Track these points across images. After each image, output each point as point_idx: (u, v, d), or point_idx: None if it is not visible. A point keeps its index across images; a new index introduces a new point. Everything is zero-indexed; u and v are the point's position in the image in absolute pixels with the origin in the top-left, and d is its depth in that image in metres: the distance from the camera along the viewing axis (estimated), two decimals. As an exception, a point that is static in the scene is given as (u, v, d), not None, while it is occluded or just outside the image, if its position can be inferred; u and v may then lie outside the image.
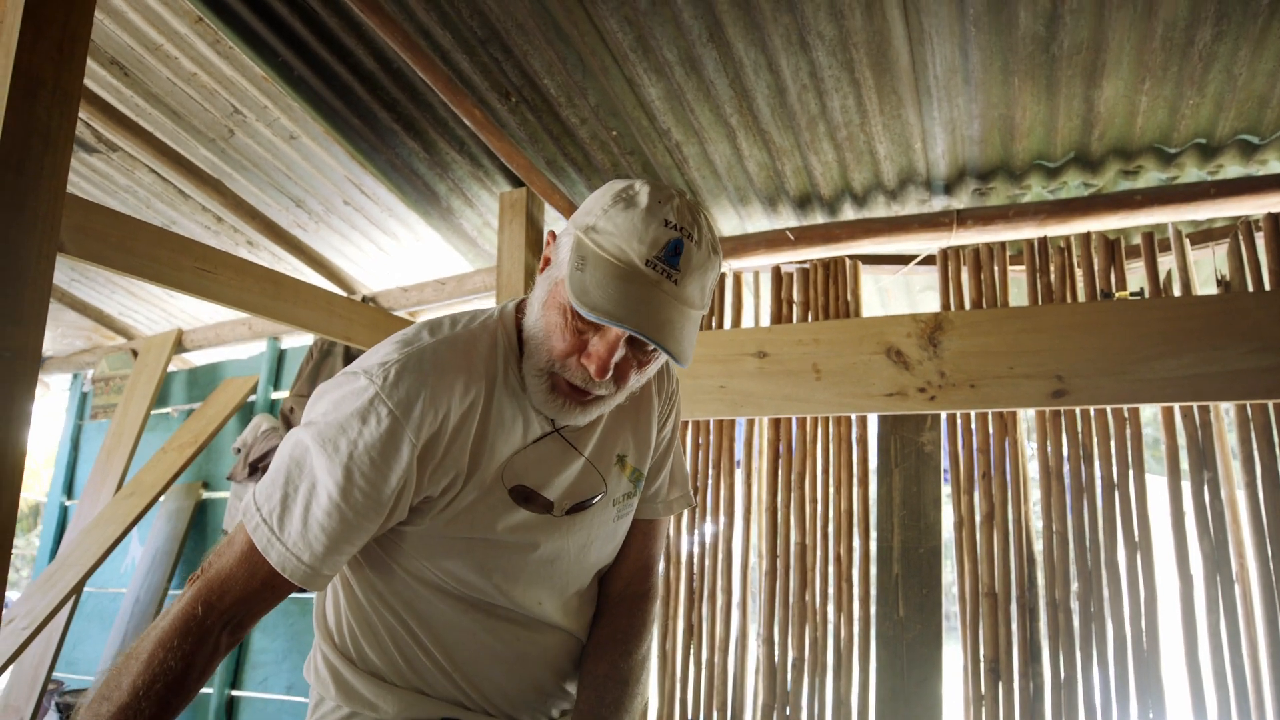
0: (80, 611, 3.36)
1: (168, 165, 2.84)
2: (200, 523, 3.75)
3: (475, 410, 1.00)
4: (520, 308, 1.09)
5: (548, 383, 1.00)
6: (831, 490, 2.47)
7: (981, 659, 2.23)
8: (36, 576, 3.91)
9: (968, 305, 2.46)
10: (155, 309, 4.07)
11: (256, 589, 0.94)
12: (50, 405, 5.06)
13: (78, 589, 3.10)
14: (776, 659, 2.42)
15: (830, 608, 2.40)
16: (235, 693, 3.39)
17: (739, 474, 2.64)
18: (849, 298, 2.63)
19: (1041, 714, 2.17)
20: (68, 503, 4.32)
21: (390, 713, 1.07)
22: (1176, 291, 2.30)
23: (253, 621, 0.97)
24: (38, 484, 8.44)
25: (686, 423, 2.70)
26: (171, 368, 4.15)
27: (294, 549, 0.93)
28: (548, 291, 1.00)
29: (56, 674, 3.47)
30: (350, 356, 3.11)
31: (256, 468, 3.26)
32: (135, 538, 3.81)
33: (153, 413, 3.81)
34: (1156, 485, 2.27)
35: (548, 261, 1.03)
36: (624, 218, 0.93)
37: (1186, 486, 2.20)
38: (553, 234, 1.05)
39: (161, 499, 3.46)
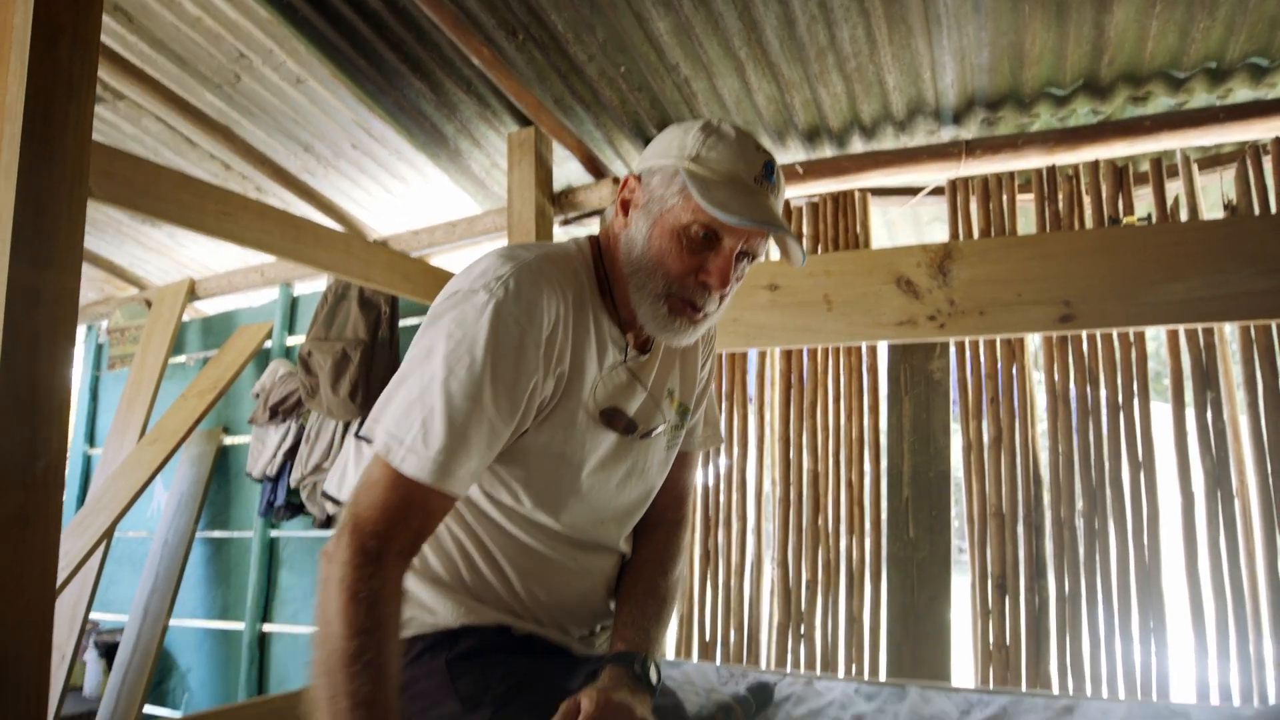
0: (110, 556, 3.46)
1: (175, 112, 2.84)
2: (223, 467, 3.84)
3: (572, 326, 1.09)
4: (595, 244, 1.20)
5: (665, 306, 1.11)
6: (843, 418, 2.54)
7: (989, 576, 2.32)
8: (67, 523, 4.01)
9: (976, 235, 2.49)
10: (166, 258, 4.10)
11: (412, 510, 0.98)
12: (65, 357, 5.11)
13: (109, 533, 3.19)
14: (790, 581, 2.52)
15: (842, 531, 2.48)
16: (266, 628, 3.51)
17: (751, 406, 2.71)
18: (858, 230, 2.66)
19: (1046, 627, 2.27)
20: (90, 451, 4.41)
21: (447, 618, 1.15)
22: (1184, 217, 2.32)
23: (420, 544, 1.02)
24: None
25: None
26: (185, 317, 4.19)
27: (439, 461, 0.96)
28: (651, 223, 1.11)
29: (93, 615, 3.59)
30: (365, 300, 3.15)
31: (277, 411, 3.33)
32: (159, 483, 3.90)
33: (170, 362, 3.87)
34: (1160, 411, 2.33)
35: (626, 203, 1.15)
36: (724, 146, 1.09)
37: (1190, 414, 2.26)
38: (632, 176, 1.16)
39: (184, 445, 3.54)
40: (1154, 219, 2.33)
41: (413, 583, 1.17)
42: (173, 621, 3.59)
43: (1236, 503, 2.18)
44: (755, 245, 1.11)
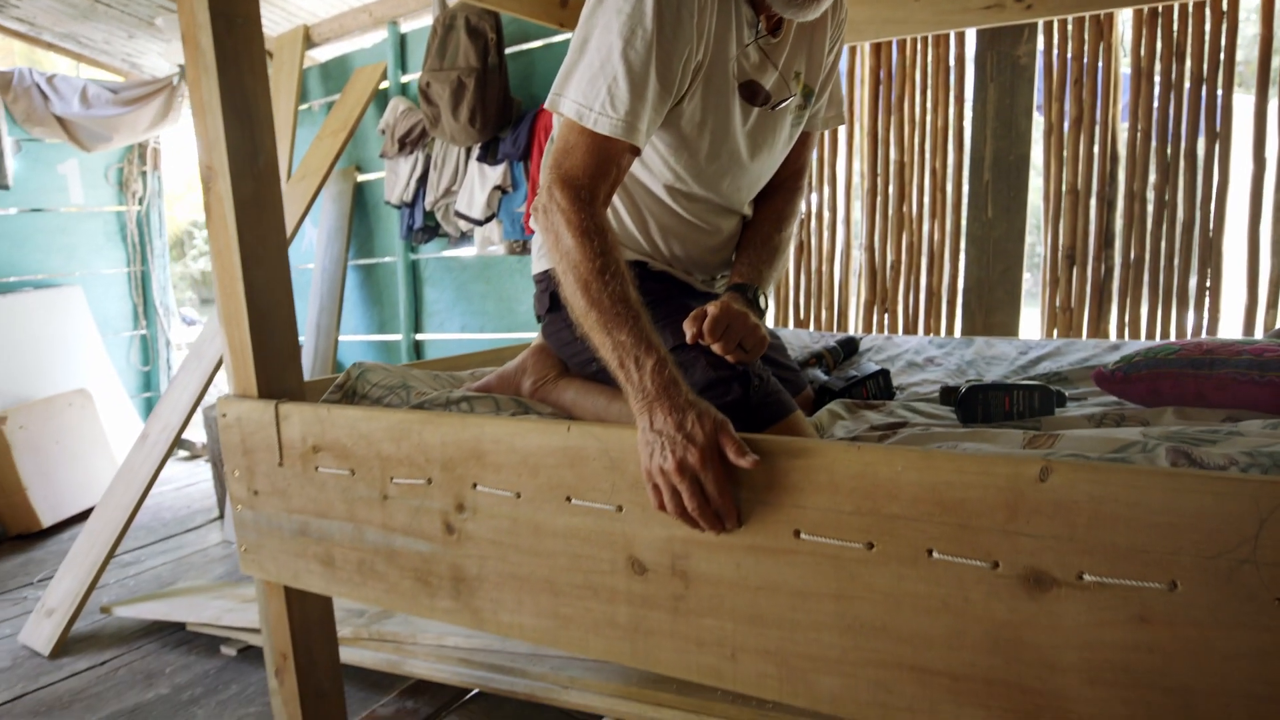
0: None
1: None
2: (361, 201, 4.29)
3: (716, 2, 1.25)
4: None
5: None
6: (929, 110, 2.70)
7: (1060, 248, 2.57)
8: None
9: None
10: (276, 9, 4.31)
11: (609, 163, 1.19)
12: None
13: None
14: (876, 263, 2.83)
15: (925, 215, 2.74)
16: (419, 336, 4.11)
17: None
18: (952, -83, 2.65)
19: (1110, 292, 2.53)
20: (239, 198, 4.92)
21: None
22: None
23: (614, 192, 1.24)
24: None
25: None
26: (303, 65, 4.47)
27: (627, 120, 1.16)
28: None
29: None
30: (472, 29, 3.34)
31: (404, 143, 3.67)
32: (308, 221, 4.40)
33: (298, 109, 4.22)
34: (1241, 101, 2.39)
35: None
36: None
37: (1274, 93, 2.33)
38: None
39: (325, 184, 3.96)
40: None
41: None
42: (341, 337, 4.23)
43: (1307, 167, 2.31)
44: None
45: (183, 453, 5.22)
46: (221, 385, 4.69)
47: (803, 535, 1.02)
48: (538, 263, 1.57)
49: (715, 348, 1.24)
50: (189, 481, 4.68)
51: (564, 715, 2.02)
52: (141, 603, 2.80)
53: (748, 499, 1.05)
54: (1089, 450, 1.08)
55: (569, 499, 1.19)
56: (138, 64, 4.85)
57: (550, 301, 1.50)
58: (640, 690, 1.63)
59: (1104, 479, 0.85)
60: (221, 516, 3.88)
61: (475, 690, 2.13)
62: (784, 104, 1.40)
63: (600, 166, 1.19)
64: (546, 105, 1.27)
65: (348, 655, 1.81)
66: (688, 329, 1.24)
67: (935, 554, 0.94)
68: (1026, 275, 2.63)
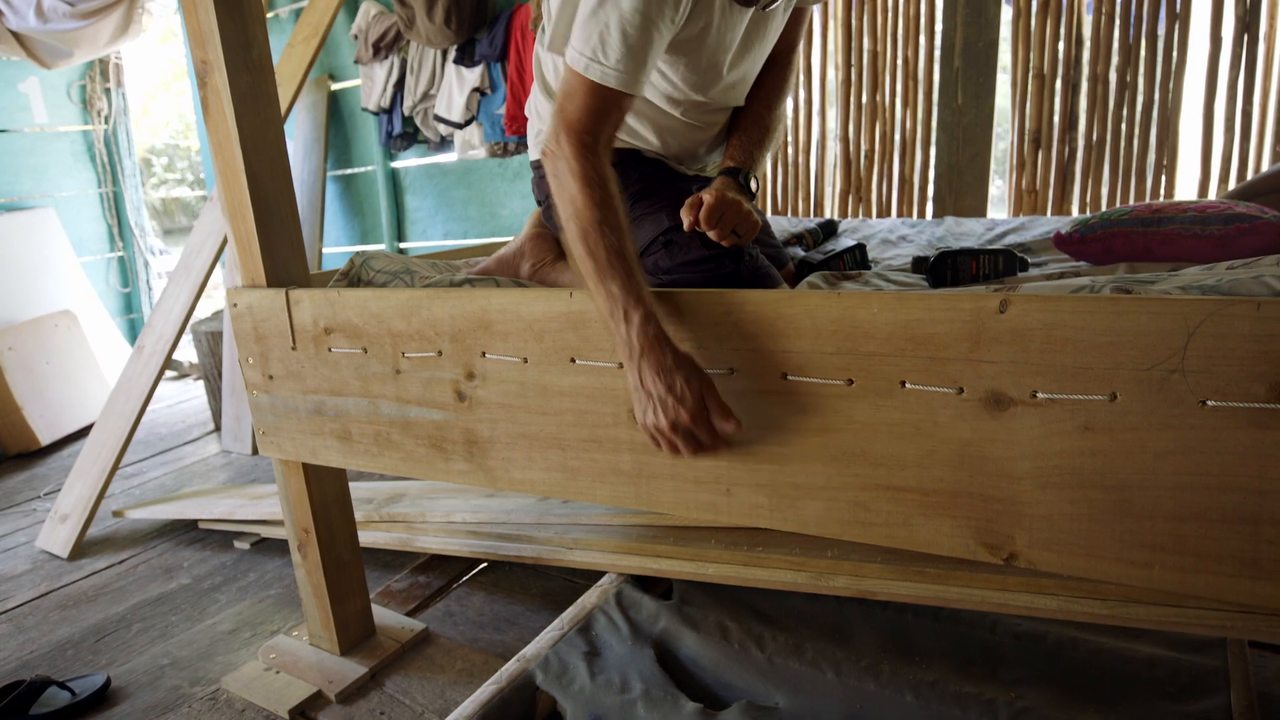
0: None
1: None
2: (336, 110, 4.25)
3: None
4: None
5: None
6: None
7: (1026, 133, 2.65)
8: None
9: None
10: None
11: (608, 109, 1.23)
12: (158, 28, 5.38)
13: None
14: (851, 153, 2.90)
15: (898, 105, 2.80)
16: (402, 245, 4.15)
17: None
18: None
19: (1073, 173, 2.64)
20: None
21: None
22: None
23: (614, 135, 1.28)
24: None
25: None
26: (265, -30, 4.35)
27: (622, 69, 1.21)
28: None
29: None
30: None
31: (379, 48, 3.64)
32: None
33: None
34: None
35: None
36: None
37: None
38: None
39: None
40: None
41: None
42: (324, 249, 4.25)
43: (1262, 45, 2.40)
44: None
45: (170, 373, 5.27)
46: (214, 303, 4.74)
47: (789, 377, 1.13)
48: (535, 149, 1.63)
49: (710, 234, 1.31)
50: (180, 399, 4.75)
51: (568, 580, 2.19)
52: (153, 505, 2.91)
53: (739, 348, 1.16)
54: (1045, 294, 1.20)
55: (573, 360, 1.29)
56: (91, -26, 4.69)
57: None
58: (640, 545, 1.77)
59: (1055, 307, 0.96)
60: (218, 429, 3.97)
61: (484, 564, 2.29)
62: (775, 4, 1.43)
63: (600, 112, 1.23)
64: (548, 46, 1.32)
65: (361, 538, 1.94)
66: (685, 217, 1.31)
67: (908, 385, 1.06)
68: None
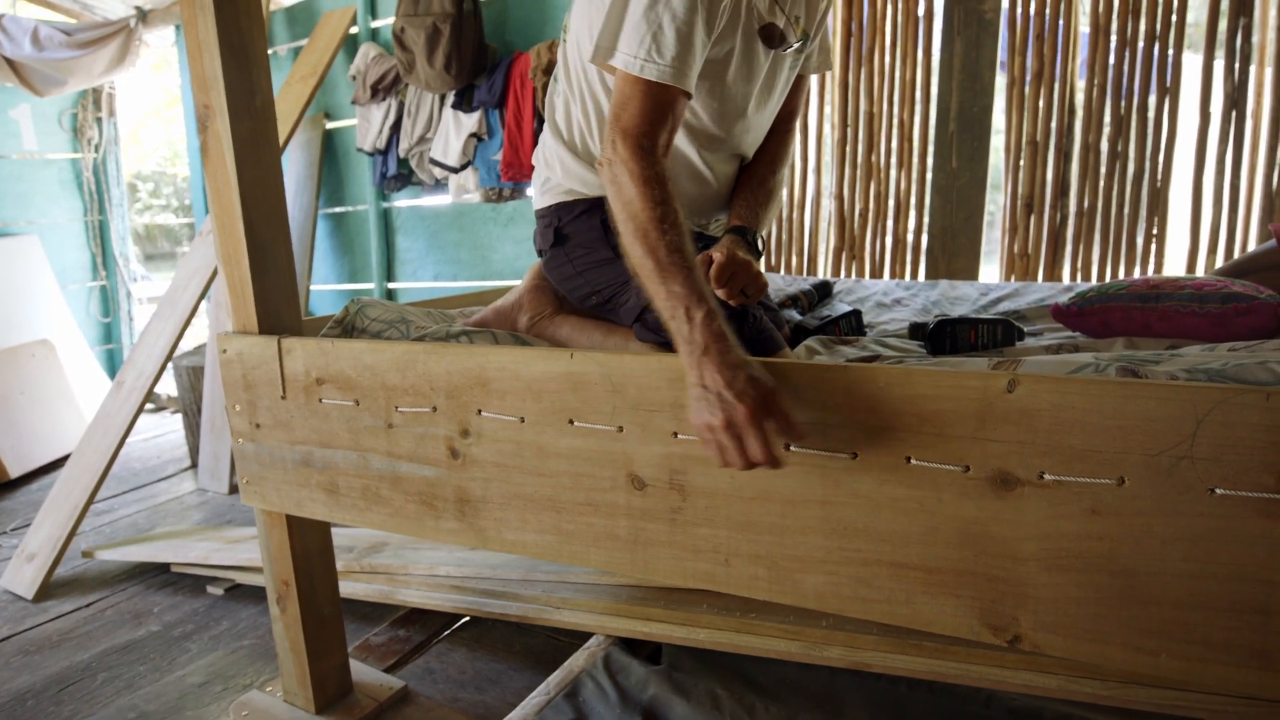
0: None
1: None
2: (330, 149, 4.25)
3: None
4: None
5: None
6: (898, 63, 2.79)
7: (1019, 197, 2.69)
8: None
9: None
10: (238, -51, 4.21)
11: (665, 110, 1.22)
12: (155, 58, 5.39)
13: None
14: (845, 211, 2.93)
15: (893, 165, 2.84)
16: (391, 285, 4.13)
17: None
18: None
19: (1064, 238, 2.67)
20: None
21: (599, 188, 1.47)
22: None
23: (671, 141, 1.26)
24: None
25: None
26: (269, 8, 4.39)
27: (676, 66, 1.21)
28: None
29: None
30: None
31: (377, 89, 3.65)
32: (274, 169, 4.35)
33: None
34: (1191, 60, 2.51)
35: None
36: None
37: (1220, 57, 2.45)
38: None
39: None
40: None
41: (572, 161, 1.52)
42: (312, 286, 4.23)
43: (1250, 122, 2.45)
44: None
45: (148, 405, 5.18)
46: (196, 334, 4.69)
47: (793, 448, 1.11)
48: (541, 198, 1.62)
49: (720, 293, 1.29)
50: (157, 433, 4.67)
51: (552, 637, 2.13)
52: (124, 546, 2.84)
53: (742, 416, 1.14)
54: (1049, 372, 1.19)
55: (571, 422, 1.27)
56: (88, 4, 4.71)
57: (554, 237, 1.57)
58: (630, 607, 1.73)
59: (1063, 389, 0.95)
60: (194, 466, 3.90)
61: (466, 618, 2.23)
62: (790, 48, 1.45)
63: (657, 114, 1.22)
64: (592, 59, 1.31)
65: (340, 588, 1.89)
66: None
67: (913, 460, 1.04)
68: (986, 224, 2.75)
